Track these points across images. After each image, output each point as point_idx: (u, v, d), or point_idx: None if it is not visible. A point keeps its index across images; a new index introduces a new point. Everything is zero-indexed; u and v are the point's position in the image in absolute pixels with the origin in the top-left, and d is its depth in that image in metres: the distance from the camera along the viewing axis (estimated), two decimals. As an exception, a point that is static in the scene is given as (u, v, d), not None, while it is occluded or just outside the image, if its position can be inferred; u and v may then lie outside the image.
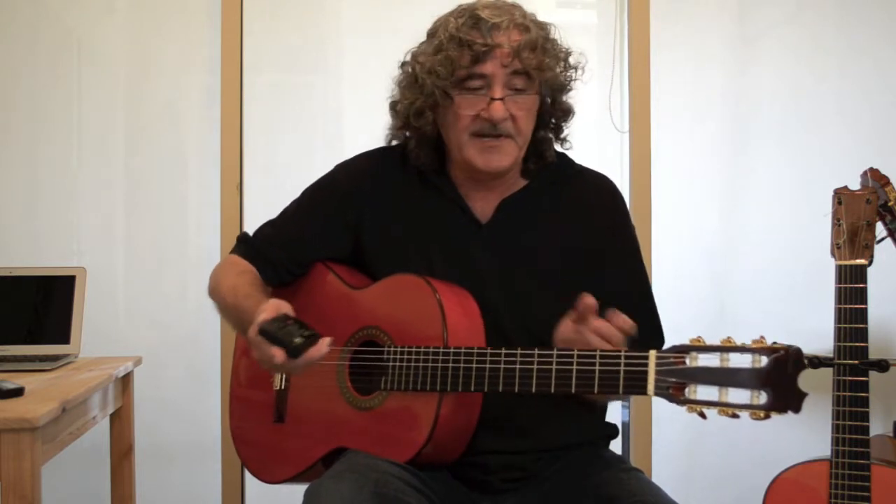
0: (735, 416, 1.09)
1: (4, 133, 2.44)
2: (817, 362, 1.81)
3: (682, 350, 1.13)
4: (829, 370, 1.76)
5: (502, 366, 1.28)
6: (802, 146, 2.52)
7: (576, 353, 1.23)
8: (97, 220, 2.47)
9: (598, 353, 1.21)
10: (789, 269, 2.46)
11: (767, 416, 1.07)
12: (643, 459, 2.37)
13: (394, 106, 1.52)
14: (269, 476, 1.55)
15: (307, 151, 2.49)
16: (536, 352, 1.26)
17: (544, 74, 1.41)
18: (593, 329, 1.24)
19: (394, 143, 1.56)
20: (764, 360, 1.07)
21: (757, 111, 2.53)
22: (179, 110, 2.47)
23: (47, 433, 1.56)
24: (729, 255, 2.53)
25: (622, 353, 1.18)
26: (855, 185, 1.85)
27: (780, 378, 1.06)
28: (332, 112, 2.52)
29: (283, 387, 1.53)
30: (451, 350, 1.32)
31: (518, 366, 1.27)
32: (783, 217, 2.50)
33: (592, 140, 2.51)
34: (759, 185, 2.53)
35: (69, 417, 1.69)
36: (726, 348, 1.10)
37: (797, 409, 1.06)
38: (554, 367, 1.24)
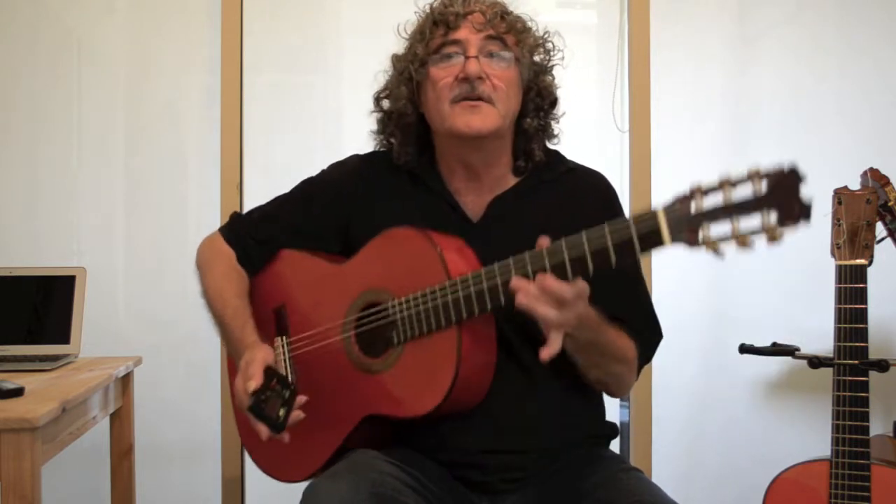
0: (751, 243, 1.10)
1: (4, 133, 2.43)
2: (817, 362, 1.81)
3: (686, 197, 1.15)
4: (829, 370, 1.76)
5: (512, 272, 1.26)
6: (802, 146, 2.51)
7: (584, 234, 1.22)
8: (97, 220, 2.47)
9: (606, 226, 1.20)
10: (789, 269, 2.45)
11: (783, 233, 1.09)
12: (643, 459, 2.36)
13: (376, 102, 1.54)
14: (292, 475, 1.54)
15: (307, 151, 2.49)
16: (545, 250, 1.24)
17: (520, 44, 1.44)
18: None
19: (381, 148, 1.58)
20: (764, 182, 1.10)
21: (757, 111, 2.53)
22: (179, 110, 2.47)
23: (47, 433, 1.56)
24: (729, 254, 2.52)
25: (631, 219, 1.19)
26: (855, 185, 1.85)
27: (784, 192, 1.08)
28: (332, 112, 2.52)
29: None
30: (458, 280, 1.31)
31: (529, 266, 1.25)
32: (783, 217, 2.49)
33: (593, 140, 2.51)
34: (758, 185, 2.52)
35: (69, 417, 1.69)
36: (726, 182, 1.12)
37: (808, 217, 1.08)
38: (566, 256, 1.22)
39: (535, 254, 1.26)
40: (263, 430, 1.33)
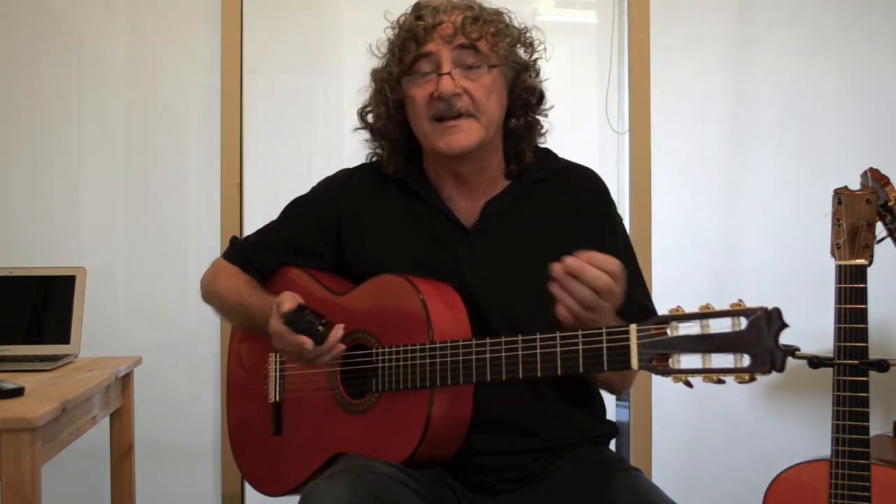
0: (721, 381, 1.09)
1: (5, 133, 2.43)
2: (817, 362, 1.81)
3: (663, 321, 1.13)
4: (829, 370, 1.76)
5: (488, 355, 1.28)
6: (802, 146, 2.52)
7: (558, 335, 1.23)
8: (97, 219, 2.47)
9: (580, 332, 1.21)
10: (789, 269, 2.46)
11: (753, 379, 1.07)
12: (643, 459, 2.37)
13: (360, 117, 1.54)
14: (271, 489, 1.56)
15: (307, 151, 2.49)
16: (520, 338, 1.26)
17: (495, 47, 1.41)
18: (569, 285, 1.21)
19: (374, 159, 1.58)
20: (743, 323, 1.08)
21: (757, 111, 2.53)
22: (179, 110, 2.47)
23: (47, 433, 1.55)
24: (729, 255, 2.53)
25: (604, 330, 1.18)
26: (855, 185, 1.85)
27: (760, 339, 1.06)
28: (332, 112, 2.52)
29: (278, 399, 1.54)
30: (437, 345, 1.32)
31: (503, 354, 1.27)
32: (783, 217, 2.50)
33: (591, 140, 2.51)
34: (759, 185, 2.53)
35: (69, 417, 1.69)
36: (705, 315, 1.10)
37: (781, 368, 1.06)
38: (538, 351, 1.24)
39: (510, 340, 1.26)
40: (307, 340, 1.33)
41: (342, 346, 1.36)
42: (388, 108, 1.47)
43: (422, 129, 1.43)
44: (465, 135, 1.40)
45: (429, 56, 1.40)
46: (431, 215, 1.49)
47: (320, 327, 1.33)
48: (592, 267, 1.21)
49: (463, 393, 1.36)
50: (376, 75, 1.50)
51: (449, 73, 1.38)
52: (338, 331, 1.34)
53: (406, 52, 1.41)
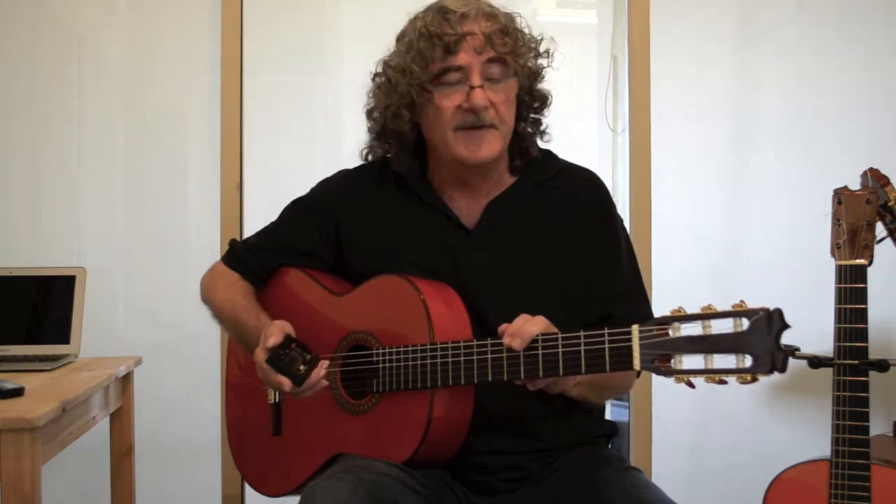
0: (723, 381, 1.09)
1: (5, 133, 2.43)
2: (817, 362, 1.81)
3: (665, 322, 1.13)
4: (829, 370, 1.76)
5: (489, 356, 1.28)
6: (803, 146, 2.52)
7: (560, 336, 1.23)
8: (97, 220, 2.47)
9: (581, 333, 1.21)
10: (789, 269, 2.46)
11: (755, 379, 1.07)
12: (643, 459, 2.36)
13: (370, 114, 1.52)
14: (270, 489, 1.56)
15: (307, 152, 2.49)
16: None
17: (519, 59, 1.41)
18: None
19: (371, 158, 1.56)
20: (745, 324, 1.08)
21: (757, 111, 2.53)
22: (179, 110, 2.47)
23: (47, 433, 1.56)
24: (729, 255, 2.53)
25: (605, 332, 1.19)
26: (855, 185, 1.85)
27: (762, 339, 1.07)
28: (332, 113, 2.52)
29: (277, 400, 1.54)
30: (438, 345, 1.32)
31: (505, 354, 1.27)
32: (783, 217, 2.49)
33: (591, 140, 2.51)
34: (759, 185, 2.52)
35: (69, 417, 1.69)
36: (707, 315, 1.10)
37: (782, 369, 1.06)
38: (540, 351, 1.24)
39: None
40: (285, 381, 1.33)
41: (324, 383, 1.37)
42: (412, 113, 1.44)
43: (443, 137, 1.41)
44: (489, 145, 1.40)
45: (459, 69, 1.38)
46: (431, 216, 1.49)
47: (302, 366, 1.34)
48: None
49: (464, 393, 1.36)
50: (394, 72, 1.43)
51: (481, 86, 1.38)
52: (320, 369, 1.35)
53: (434, 60, 1.39)
